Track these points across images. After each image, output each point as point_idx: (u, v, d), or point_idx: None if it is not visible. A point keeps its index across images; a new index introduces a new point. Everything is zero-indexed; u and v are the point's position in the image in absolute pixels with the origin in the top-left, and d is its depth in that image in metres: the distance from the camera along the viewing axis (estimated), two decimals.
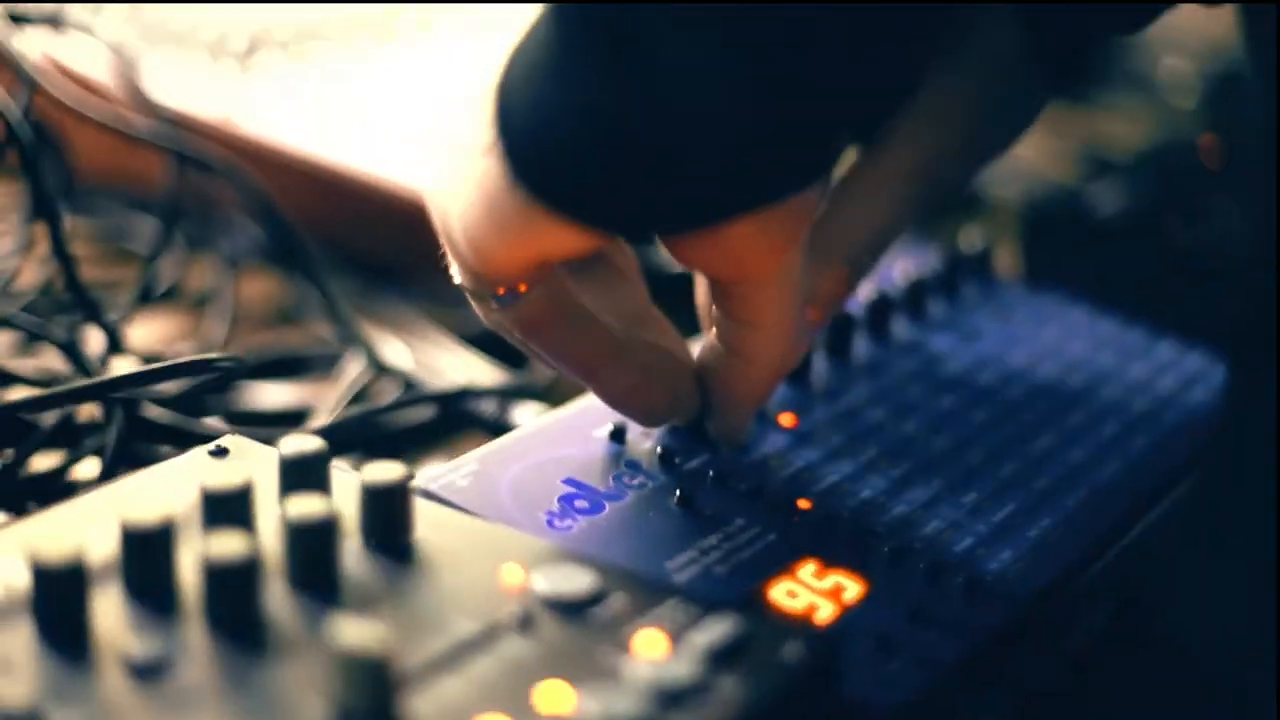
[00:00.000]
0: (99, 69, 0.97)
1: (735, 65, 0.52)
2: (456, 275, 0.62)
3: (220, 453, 0.62)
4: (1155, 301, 0.91)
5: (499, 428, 0.77)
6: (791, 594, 0.61)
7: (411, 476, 0.58)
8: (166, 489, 0.59)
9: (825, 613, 0.60)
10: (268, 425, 0.79)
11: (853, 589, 0.62)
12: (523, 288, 0.61)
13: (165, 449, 0.75)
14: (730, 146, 0.54)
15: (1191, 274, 0.96)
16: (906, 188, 0.68)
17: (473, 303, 0.63)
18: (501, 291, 0.61)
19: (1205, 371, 0.84)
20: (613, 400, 0.66)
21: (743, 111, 0.53)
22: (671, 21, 0.51)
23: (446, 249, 0.62)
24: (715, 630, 0.54)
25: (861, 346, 0.80)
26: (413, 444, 0.78)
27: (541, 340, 0.64)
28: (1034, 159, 1.09)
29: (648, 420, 0.68)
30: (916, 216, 0.70)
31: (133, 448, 0.74)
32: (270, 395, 0.83)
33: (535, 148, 0.55)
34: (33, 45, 0.92)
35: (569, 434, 0.68)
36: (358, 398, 0.81)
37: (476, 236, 0.59)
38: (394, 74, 1.11)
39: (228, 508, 0.56)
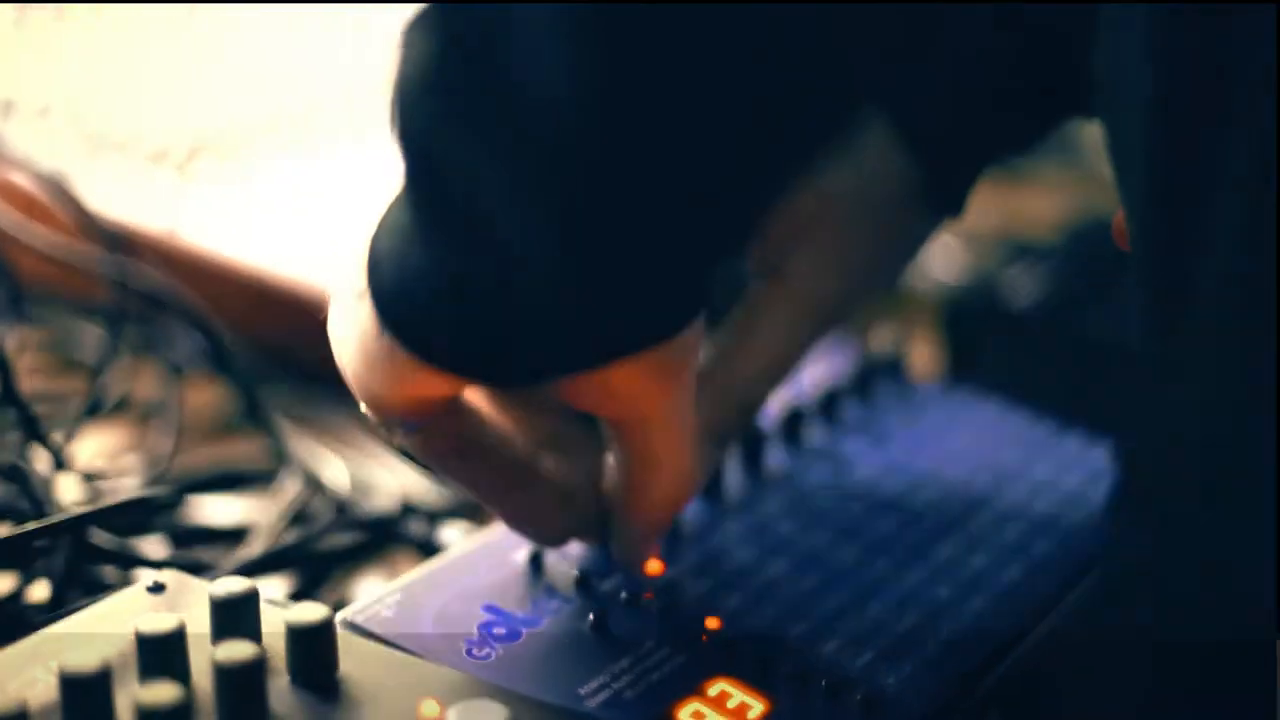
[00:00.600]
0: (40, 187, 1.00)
1: (571, 234, 0.53)
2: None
3: (158, 589, 0.66)
4: (1070, 393, 0.94)
5: (428, 546, 0.80)
6: (698, 714, 0.64)
7: (333, 615, 0.61)
8: (106, 627, 0.63)
9: None
10: (210, 542, 0.82)
11: (756, 709, 0.65)
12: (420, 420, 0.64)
13: (110, 569, 0.78)
14: (572, 309, 0.55)
15: (1102, 363, 0.98)
16: (804, 322, 0.71)
17: (377, 431, 0.66)
18: (400, 422, 0.64)
19: (1110, 466, 0.87)
20: (510, 522, 0.69)
21: (581, 276, 0.54)
22: (507, 196, 0.52)
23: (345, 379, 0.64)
24: None
25: (775, 456, 0.83)
26: (348, 561, 0.82)
27: (439, 465, 0.67)
28: (950, 242, 1.12)
29: (546, 543, 0.70)
30: (813, 347, 0.73)
31: (79, 571, 0.77)
32: (212, 511, 0.86)
33: (396, 298, 0.57)
34: None
35: (490, 559, 0.72)
36: (296, 517, 0.84)
37: (356, 375, 0.62)
38: (336, 173, 1.14)
39: (162, 651, 0.60)
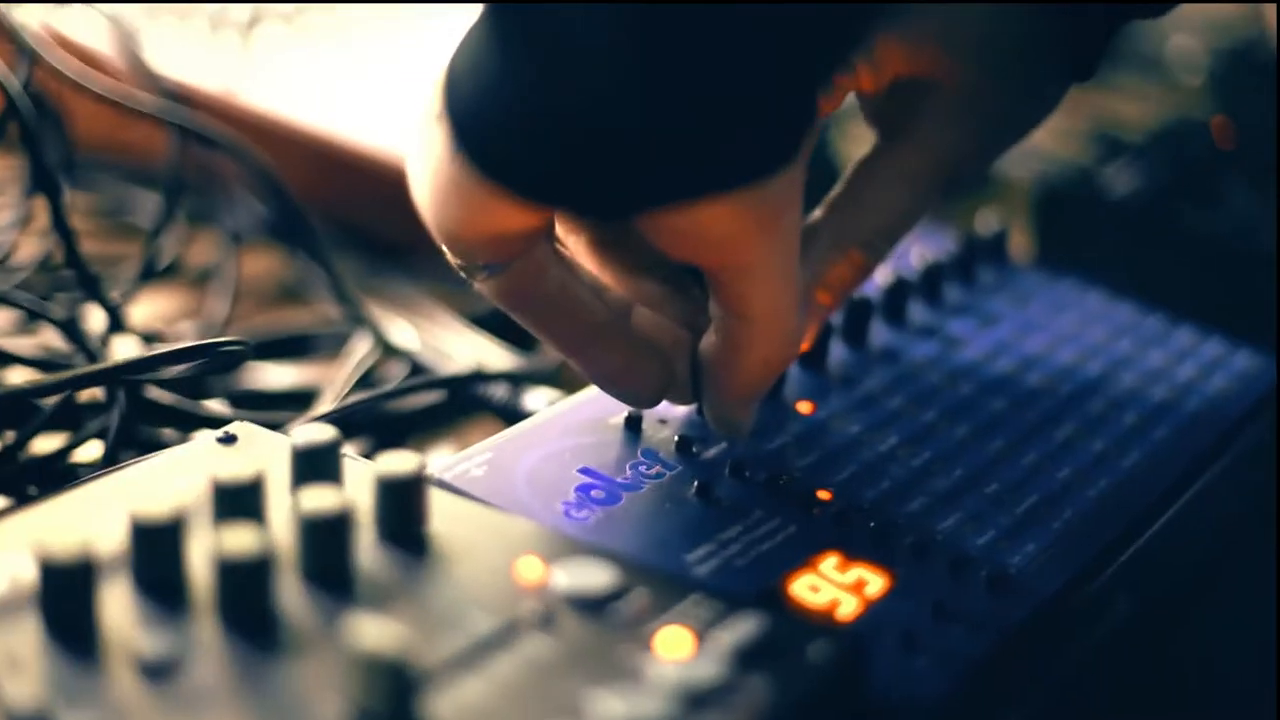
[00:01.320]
0: (100, 42, 0.96)
1: (662, 46, 0.51)
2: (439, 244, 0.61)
3: (229, 440, 0.61)
4: (1169, 285, 0.90)
5: (509, 413, 0.75)
6: (814, 588, 0.60)
7: (424, 466, 0.57)
8: (174, 477, 0.58)
9: (848, 608, 0.59)
10: (273, 407, 0.78)
11: (875, 583, 0.60)
12: (504, 260, 0.60)
13: (168, 431, 0.74)
14: (661, 130, 0.52)
15: (1205, 257, 0.94)
16: (927, 179, 0.67)
17: (461, 275, 0.62)
18: (481, 262, 0.60)
19: (1223, 359, 0.83)
20: (598, 380, 0.64)
21: (673, 94, 0.51)
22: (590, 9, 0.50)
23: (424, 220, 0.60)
24: (741, 629, 0.52)
25: (878, 332, 0.79)
26: (420, 428, 0.77)
27: (523, 315, 0.62)
28: (1046, 139, 1.08)
29: (635, 403, 0.66)
30: (934, 206, 0.69)
31: (135, 430, 0.73)
32: (275, 376, 0.82)
33: (473, 119, 0.54)
34: (32, 18, 0.90)
35: (584, 422, 0.67)
36: (364, 380, 0.80)
37: (433, 207, 0.58)
38: (398, 45, 1.09)
39: (239, 500, 0.55)
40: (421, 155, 0.58)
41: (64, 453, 0.72)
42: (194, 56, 1.03)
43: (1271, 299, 0.89)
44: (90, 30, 0.96)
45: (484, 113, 0.54)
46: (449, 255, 0.60)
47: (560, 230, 0.64)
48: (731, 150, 0.54)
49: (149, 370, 0.67)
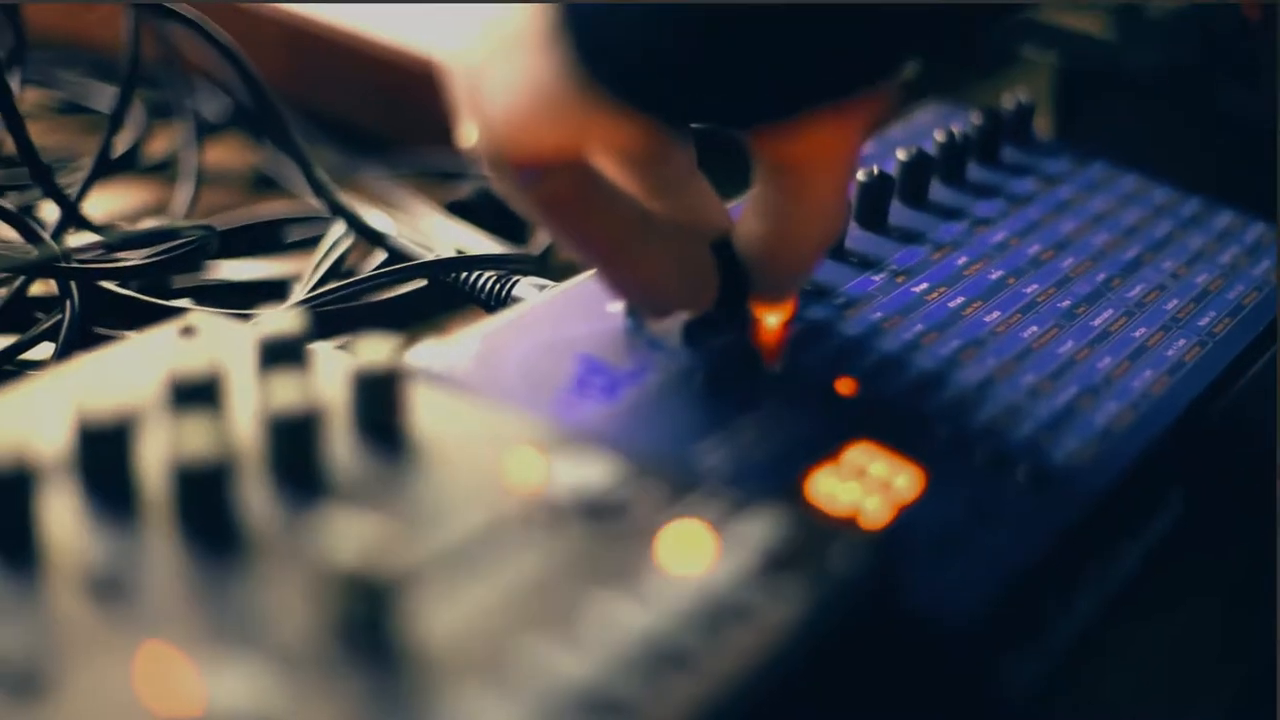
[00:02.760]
0: None
1: None
2: (476, 145, 0.57)
3: (188, 332, 0.55)
4: (1199, 164, 0.84)
5: (497, 303, 0.69)
6: (837, 486, 0.54)
7: (402, 355, 0.51)
8: (127, 372, 0.52)
9: (877, 507, 0.53)
10: (241, 302, 0.71)
11: (906, 481, 0.55)
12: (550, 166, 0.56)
13: (127, 331, 0.68)
14: (808, 40, 0.51)
15: (1239, 135, 0.89)
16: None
17: (488, 173, 0.58)
18: (523, 168, 0.56)
19: (1268, 242, 0.77)
20: (629, 288, 0.60)
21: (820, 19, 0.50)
22: None
23: (472, 120, 0.56)
24: (761, 529, 0.47)
25: (898, 213, 0.73)
26: (401, 322, 0.71)
27: (559, 221, 0.58)
28: (1068, 16, 1.02)
29: (661, 310, 0.61)
30: None
31: (90, 328, 0.67)
32: (241, 269, 0.76)
33: (618, 41, 0.51)
34: None
35: (582, 308, 0.62)
36: (337, 269, 0.73)
37: (519, 118, 0.54)
38: None
39: (197, 395, 0.49)
40: (510, 69, 0.54)
41: (11, 352, 0.66)
42: None
43: None
44: None
45: (636, 37, 0.51)
46: (490, 160, 0.57)
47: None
48: (869, 59, 0.54)
49: (98, 257, 0.61)
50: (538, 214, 0.58)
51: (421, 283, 0.72)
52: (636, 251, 0.59)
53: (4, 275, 0.62)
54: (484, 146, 0.56)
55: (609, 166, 0.60)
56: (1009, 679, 0.51)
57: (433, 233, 0.80)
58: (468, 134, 0.57)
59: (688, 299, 0.61)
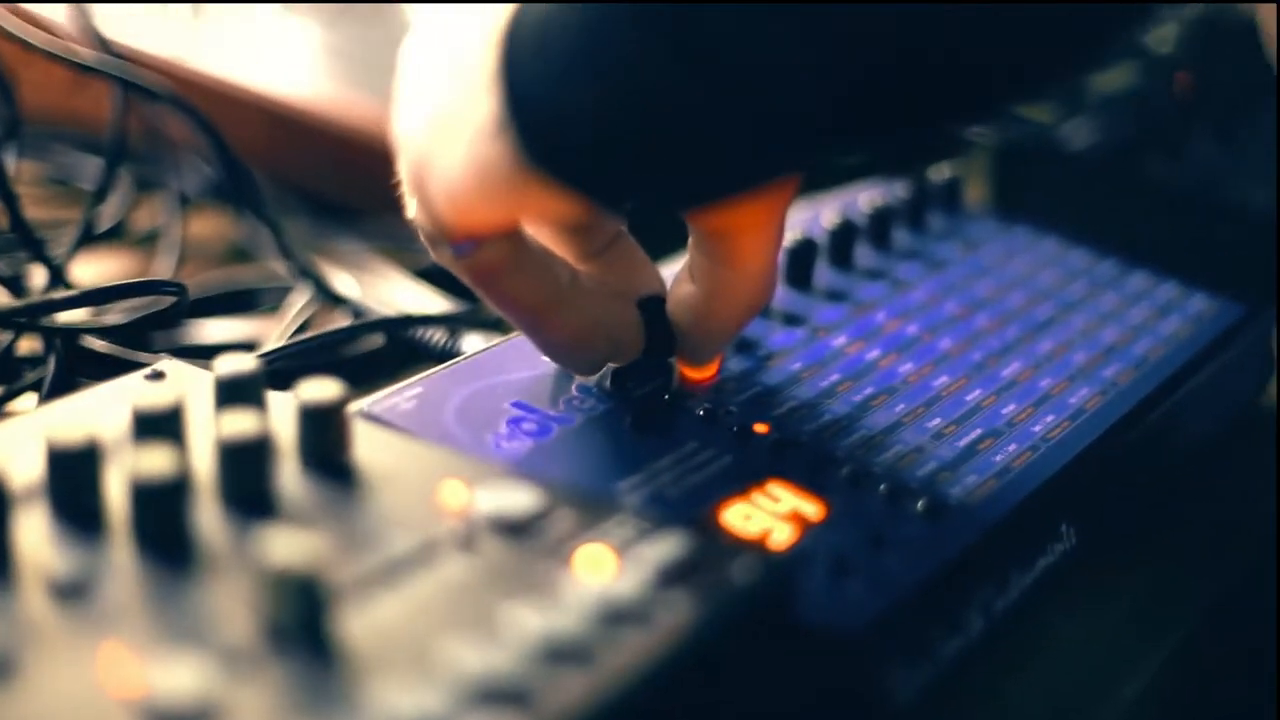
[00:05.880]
0: (50, 11, 0.95)
1: (814, 56, 0.50)
2: (415, 218, 0.60)
3: (156, 376, 0.60)
4: (1130, 238, 0.89)
5: (448, 358, 0.74)
6: (747, 516, 0.59)
7: (348, 394, 0.56)
8: (99, 412, 0.57)
9: (781, 536, 0.58)
10: (212, 359, 0.76)
11: (809, 513, 0.60)
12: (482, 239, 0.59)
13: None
14: (796, 133, 0.53)
15: (1167, 209, 0.94)
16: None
17: (425, 244, 0.61)
18: (458, 241, 0.59)
19: (1179, 301, 0.82)
20: (552, 350, 0.65)
21: (823, 100, 0.51)
22: (741, 13, 0.49)
23: (414, 196, 0.59)
24: (664, 548, 0.52)
25: (823, 274, 0.78)
26: (361, 375, 0.76)
27: (490, 287, 0.62)
28: None
29: (586, 369, 0.66)
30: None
31: (73, 381, 0.72)
32: (216, 330, 0.81)
33: (563, 128, 0.53)
34: None
35: (518, 359, 0.66)
36: (303, 329, 0.79)
37: (460, 198, 0.57)
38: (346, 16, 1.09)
39: (159, 426, 0.54)
40: (454, 150, 0.56)
41: None
42: (145, 26, 1.02)
43: (1232, 250, 0.88)
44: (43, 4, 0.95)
45: (581, 129, 0.53)
46: (428, 232, 0.60)
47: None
48: (822, 136, 0.55)
49: (82, 306, 0.66)
50: (470, 280, 0.61)
51: (379, 341, 0.77)
52: (562, 315, 0.62)
53: None
54: (423, 220, 0.59)
55: (540, 232, 0.64)
56: (896, 688, 0.56)
57: (397, 296, 0.85)
58: (410, 208, 0.60)
59: (612, 356, 0.65)
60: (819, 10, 0.49)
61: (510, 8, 0.54)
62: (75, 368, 0.72)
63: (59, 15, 0.94)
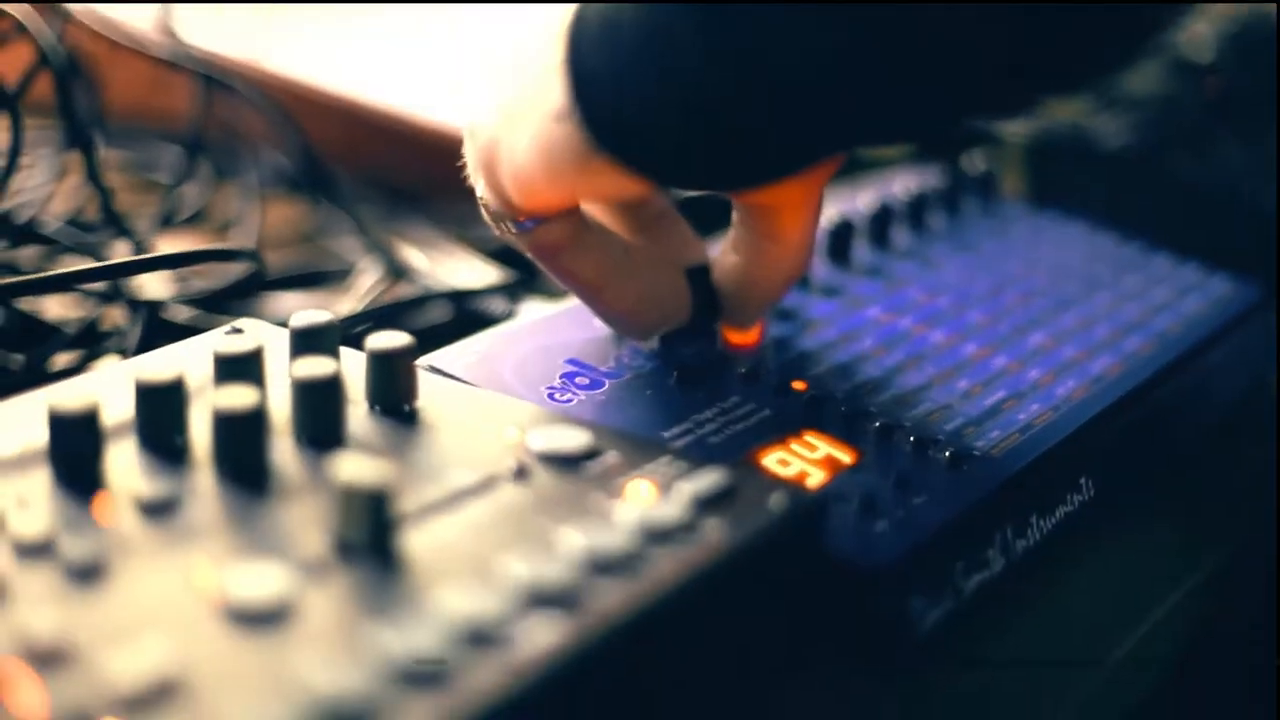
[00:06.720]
0: (131, 13, 1.00)
1: (856, 45, 0.53)
2: (482, 198, 0.65)
3: (236, 333, 0.65)
4: (1158, 233, 0.93)
5: None
6: (783, 462, 0.63)
7: (415, 344, 0.61)
8: (184, 361, 0.61)
9: (815, 479, 0.62)
10: None
11: (842, 460, 0.64)
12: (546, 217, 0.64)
13: None
14: (839, 121, 0.56)
15: (1193, 207, 0.97)
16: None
17: (489, 222, 0.66)
18: (522, 219, 0.64)
19: (1201, 283, 0.86)
20: (609, 317, 0.69)
21: (862, 89, 0.54)
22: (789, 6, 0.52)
23: (483, 178, 0.64)
24: (704, 480, 0.56)
25: (861, 252, 0.82)
26: (428, 346, 0.80)
27: (552, 261, 0.66)
28: None
29: (642, 334, 0.70)
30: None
31: (156, 348, 0.76)
32: (290, 303, 0.85)
33: (624, 115, 0.57)
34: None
35: (573, 321, 0.71)
36: (376, 302, 0.83)
37: (527, 178, 0.61)
38: (419, 16, 1.14)
39: (239, 370, 0.59)
40: (521, 136, 0.60)
41: (83, 367, 0.76)
42: (222, 27, 1.07)
43: (1252, 245, 0.92)
44: (126, 8, 1.00)
45: (641, 113, 0.56)
46: (494, 211, 0.64)
47: None
48: (870, 122, 0.59)
49: (151, 269, 0.71)
50: (535, 256, 0.66)
51: (446, 314, 0.82)
52: (619, 285, 0.67)
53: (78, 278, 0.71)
54: (491, 200, 0.64)
55: (595, 208, 0.69)
56: (918, 618, 0.60)
57: (463, 271, 0.89)
58: (478, 189, 0.64)
59: (663, 322, 0.70)
60: (868, 13, 0.52)
61: (574, 5, 0.58)
62: (158, 337, 0.77)
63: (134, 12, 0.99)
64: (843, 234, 0.80)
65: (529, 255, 0.66)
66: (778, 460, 0.63)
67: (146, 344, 0.75)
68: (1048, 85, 0.60)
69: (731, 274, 0.69)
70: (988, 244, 0.86)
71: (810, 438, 0.65)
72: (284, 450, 0.57)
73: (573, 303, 0.72)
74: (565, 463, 0.57)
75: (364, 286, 0.85)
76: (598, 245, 0.66)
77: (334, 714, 0.43)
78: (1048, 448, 0.67)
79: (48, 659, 0.44)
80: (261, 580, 0.48)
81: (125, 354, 0.75)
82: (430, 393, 0.61)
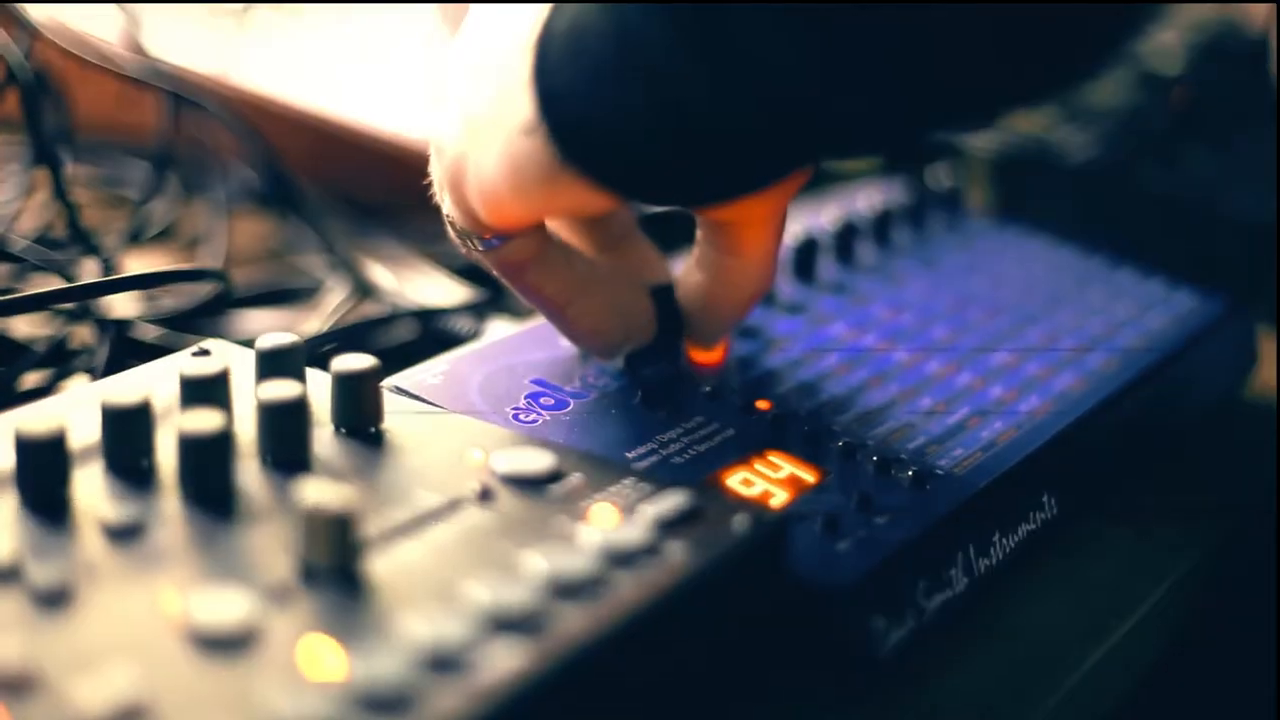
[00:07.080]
0: (100, 26, 1.00)
1: (824, 54, 0.52)
2: (448, 215, 0.65)
3: (203, 354, 0.65)
4: (1126, 246, 0.93)
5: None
6: (747, 482, 0.63)
7: (380, 366, 0.61)
8: (150, 384, 0.62)
9: (779, 499, 0.63)
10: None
11: (806, 479, 0.64)
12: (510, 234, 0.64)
13: None
14: (808, 130, 0.56)
15: (1161, 218, 0.98)
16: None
17: (455, 239, 0.66)
18: (488, 236, 0.64)
19: (1166, 297, 0.86)
20: (574, 335, 0.69)
21: (831, 100, 0.54)
22: (761, 14, 0.52)
23: (449, 194, 0.63)
24: (667, 502, 0.56)
25: (827, 268, 0.83)
26: (395, 365, 0.81)
27: (517, 278, 0.67)
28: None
29: (604, 354, 0.70)
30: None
31: (124, 368, 0.76)
32: (258, 322, 0.86)
33: (592, 127, 0.57)
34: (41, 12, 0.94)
35: (539, 341, 0.71)
36: (343, 321, 0.83)
37: (494, 194, 0.61)
38: (382, 28, 1.14)
39: (205, 393, 0.59)
40: (488, 152, 0.60)
41: (52, 386, 0.76)
42: (190, 41, 1.07)
43: (1220, 253, 0.93)
44: (91, 18, 1.00)
45: (610, 127, 0.56)
46: (460, 228, 0.64)
47: None
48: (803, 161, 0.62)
49: (121, 289, 0.71)
50: (500, 273, 0.66)
51: (412, 332, 0.82)
52: (583, 303, 0.68)
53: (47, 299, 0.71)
54: (456, 217, 0.64)
55: (559, 226, 0.69)
56: (880, 638, 0.60)
57: (430, 289, 0.89)
58: (444, 205, 0.64)
59: (628, 340, 0.70)
60: (840, 15, 0.51)
61: (543, 12, 0.58)
62: (126, 356, 0.77)
63: (102, 25, 0.99)
64: (807, 250, 0.81)
65: (494, 273, 0.67)
66: (741, 480, 0.63)
67: (115, 363, 0.75)
68: (1013, 95, 0.59)
69: (696, 292, 0.69)
70: (953, 259, 0.87)
71: (774, 457, 0.65)
72: (250, 473, 0.57)
73: (539, 321, 0.73)
74: (529, 485, 0.57)
75: (331, 304, 0.86)
76: (563, 263, 0.67)
77: None
78: (1010, 466, 0.68)
79: (14, 686, 0.45)
80: (226, 605, 0.48)
81: (94, 373, 0.75)
82: (396, 415, 0.62)
